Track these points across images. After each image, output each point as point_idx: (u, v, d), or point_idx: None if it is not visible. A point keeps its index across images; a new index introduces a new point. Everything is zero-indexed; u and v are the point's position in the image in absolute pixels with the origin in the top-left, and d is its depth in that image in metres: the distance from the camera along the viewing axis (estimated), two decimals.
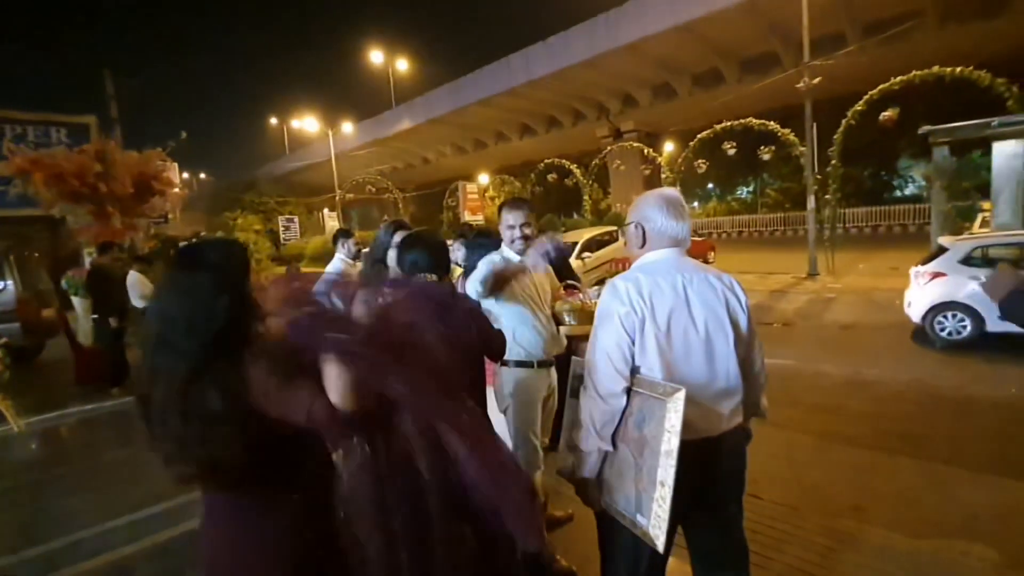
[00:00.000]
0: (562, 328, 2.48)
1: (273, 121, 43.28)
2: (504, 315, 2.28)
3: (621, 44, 19.40)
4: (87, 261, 7.01)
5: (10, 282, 7.08)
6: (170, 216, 8.97)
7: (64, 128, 7.81)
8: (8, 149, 6.15)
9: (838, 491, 3.02)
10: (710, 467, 1.42)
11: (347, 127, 27.26)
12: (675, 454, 1.22)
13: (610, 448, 1.39)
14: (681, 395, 1.24)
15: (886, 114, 10.86)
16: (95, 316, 5.83)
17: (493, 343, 1.91)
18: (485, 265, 2.26)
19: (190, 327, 1.07)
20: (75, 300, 6.59)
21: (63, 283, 6.55)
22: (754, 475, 1.59)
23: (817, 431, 3.90)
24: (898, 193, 30.00)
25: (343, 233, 4.24)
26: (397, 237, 2.23)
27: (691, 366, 1.41)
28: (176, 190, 7.47)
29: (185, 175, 23.92)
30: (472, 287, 2.15)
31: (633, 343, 1.39)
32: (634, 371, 1.40)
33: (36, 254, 8.21)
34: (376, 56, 27.12)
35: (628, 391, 1.38)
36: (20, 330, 6.93)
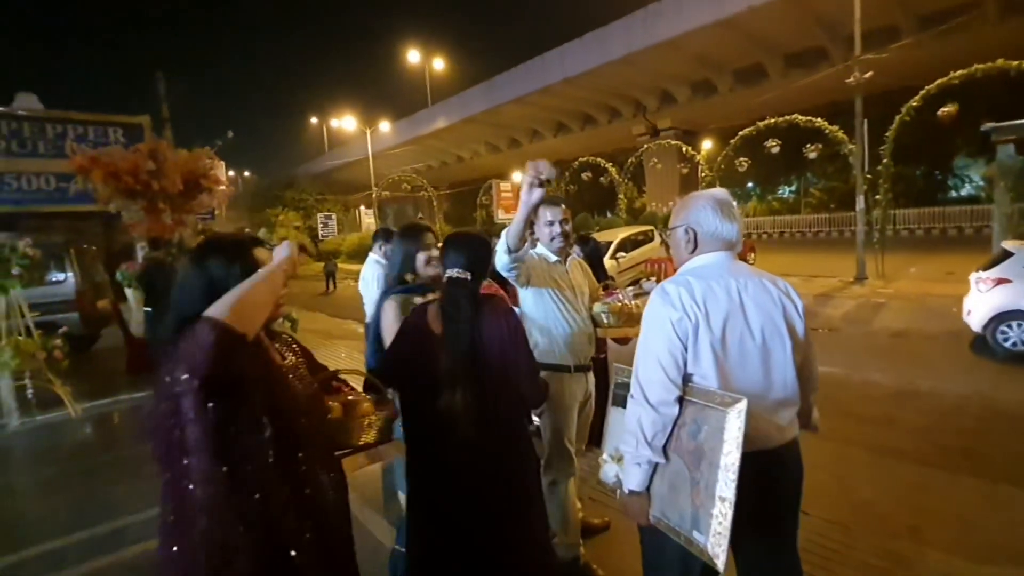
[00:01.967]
0: (599, 329, 2.41)
1: (313, 121, 44.63)
2: (539, 317, 2.23)
3: (659, 40, 19.00)
4: (140, 255, 7.34)
5: (71, 274, 7.49)
6: (216, 212, 9.29)
7: (120, 128, 8.16)
8: (71, 148, 6.48)
9: (892, 509, 2.87)
10: (766, 481, 1.34)
11: (384, 126, 27.73)
12: (736, 468, 1.16)
13: (661, 460, 1.33)
14: (743, 405, 1.17)
15: (945, 109, 10.22)
16: (147, 308, 6.09)
17: (523, 380, 1.64)
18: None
19: (174, 312, 1.13)
20: (128, 292, 6.88)
21: (118, 276, 6.86)
22: None
23: (867, 444, 3.72)
24: (953, 194, 28.43)
25: (383, 233, 3.91)
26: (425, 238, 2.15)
27: (747, 375, 1.35)
28: (223, 187, 7.70)
29: (231, 173, 24.82)
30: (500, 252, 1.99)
31: (686, 350, 1.33)
32: (686, 379, 1.34)
33: (93, 248, 8.64)
34: (413, 56, 27.50)
35: (680, 400, 1.32)
36: (79, 320, 7.32)
